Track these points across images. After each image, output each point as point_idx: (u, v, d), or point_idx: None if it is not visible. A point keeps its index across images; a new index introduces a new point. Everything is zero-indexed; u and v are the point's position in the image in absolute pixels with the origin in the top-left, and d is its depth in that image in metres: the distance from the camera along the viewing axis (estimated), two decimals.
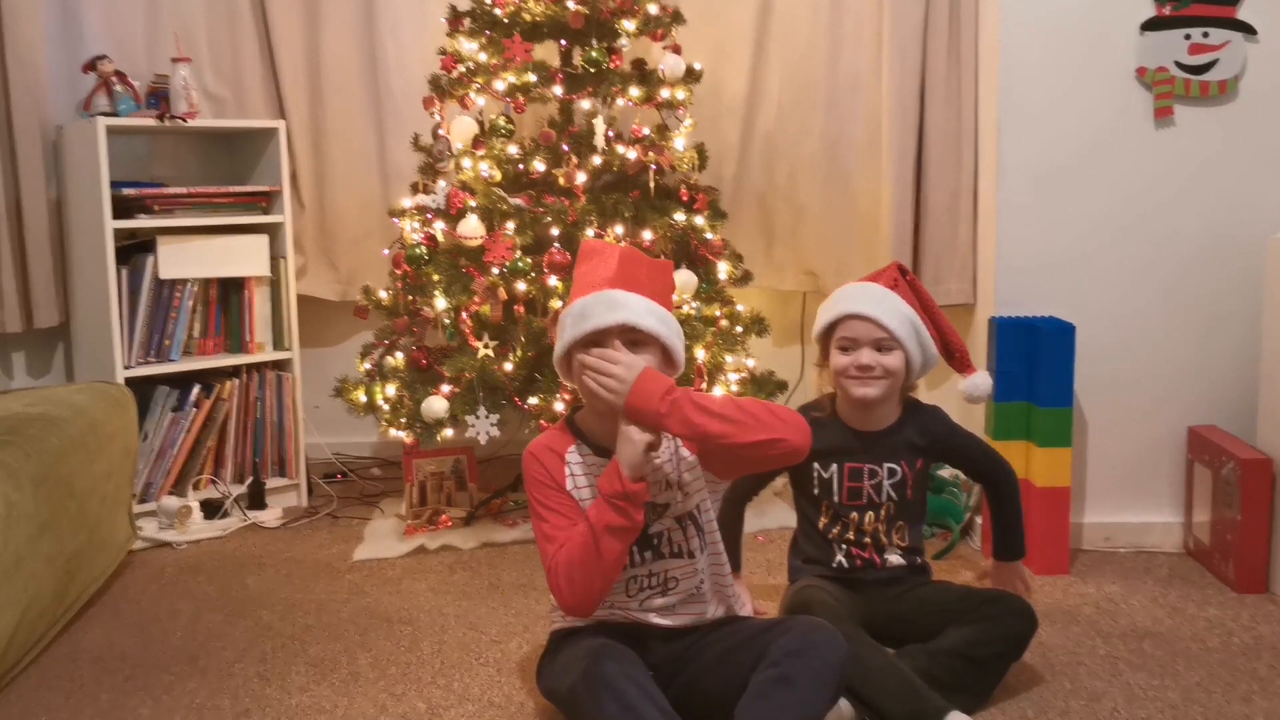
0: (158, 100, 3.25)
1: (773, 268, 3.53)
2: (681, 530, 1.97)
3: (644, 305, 1.90)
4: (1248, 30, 2.79)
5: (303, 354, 3.44)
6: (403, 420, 3.01)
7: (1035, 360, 2.73)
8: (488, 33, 3.11)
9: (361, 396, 3.14)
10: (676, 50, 3.13)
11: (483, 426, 2.90)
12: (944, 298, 3.08)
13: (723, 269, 3.09)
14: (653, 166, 3.05)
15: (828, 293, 2.41)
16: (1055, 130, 2.84)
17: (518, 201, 3.00)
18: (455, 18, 3.18)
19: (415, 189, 3.23)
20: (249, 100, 3.55)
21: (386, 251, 3.23)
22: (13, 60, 3.15)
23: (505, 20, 3.09)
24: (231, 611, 2.60)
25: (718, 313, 3.05)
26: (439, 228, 3.09)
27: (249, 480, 3.30)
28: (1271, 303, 2.65)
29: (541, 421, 2.85)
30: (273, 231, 3.35)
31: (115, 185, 3.08)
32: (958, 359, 2.34)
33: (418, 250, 3.04)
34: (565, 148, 3.04)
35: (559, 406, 2.84)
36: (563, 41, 3.15)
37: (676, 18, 3.18)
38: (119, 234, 3.10)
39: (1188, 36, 2.79)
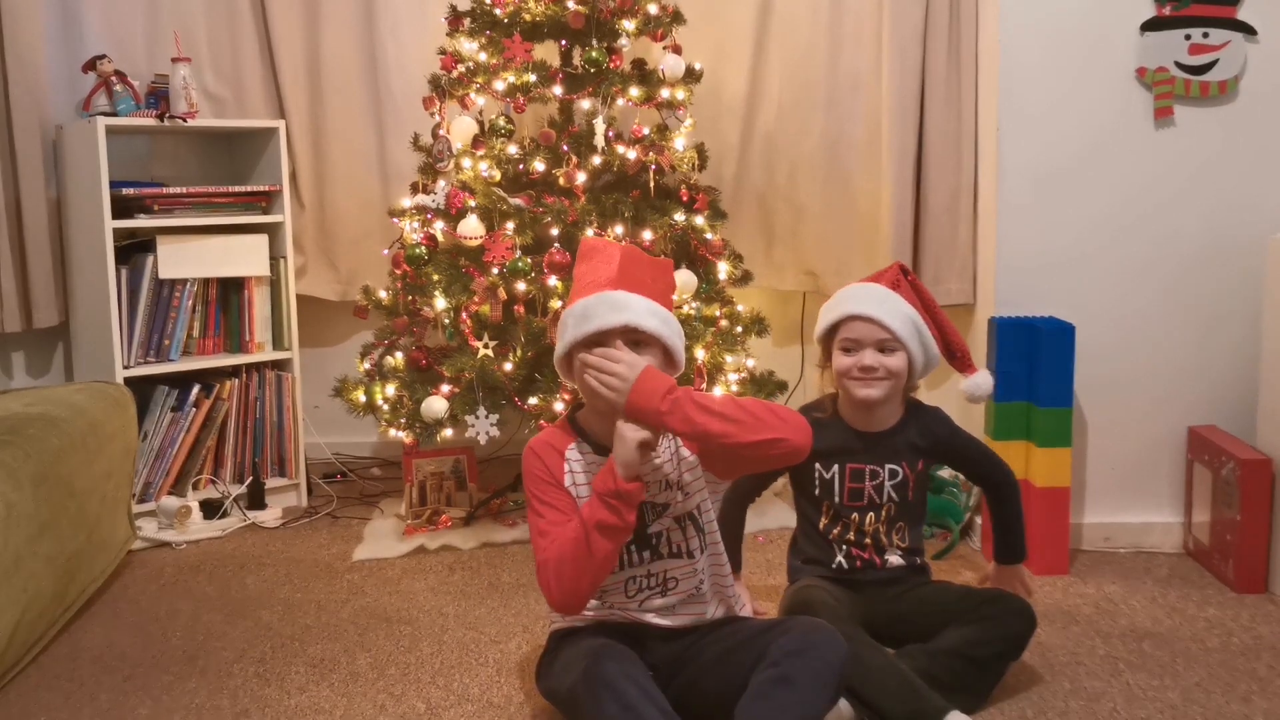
0: (157, 100, 3.25)
1: (773, 268, 3.53)
2: (681, 530, 1.97)
3: (646, 306, 1.90)
4: (1248, 30, 2.79)
5: (302, 354, 3.44)
6: (402, 420, 3.01)
7: (1035, 360, 2.73)
8: (488, 33, 3.11)
9: (361, 396, 3.14)
10: (676, 50, 3.13)
11: (482, 426, 2.90)
12: (944, 298, 3.07)
13: (723, 269, 3.09)
14: (653, 166, 3.05)
15: (828, 293, 2.41)
16: (1055, 130, 2.84)
17: (518, 201, 3.00)
18: (455, 18, 3.18)
19: (415, 189, 3.22)
20: (249, 100, 3.55)
21: (386, 251, 3.23)
22: (13, 60, 3.15)
23: (505, 20, 3.09)
24: (231, 611, 2.60)
25: (718, 313, 3.05)
26: (439, 228, 3.09)
27: (248, 480, 3.30)
28: (1271, 303, 2.65)
29: (541, 421, 2.85)
30: (272, 231, 3.35)
31: (115, 185, 3.08)
32: (959, 359, 2.34)
33: (418, 250, 3.04)
34: (565, 148, 3.03)
35: (559, 406, 2.84)
36: (563, 41, 3.15)
37: (676, 18, 3.18)
38: (119, 234, 3.10)
39: (1188, 37, 2.79)
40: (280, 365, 3.40)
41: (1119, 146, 2.84)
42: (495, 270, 2.92)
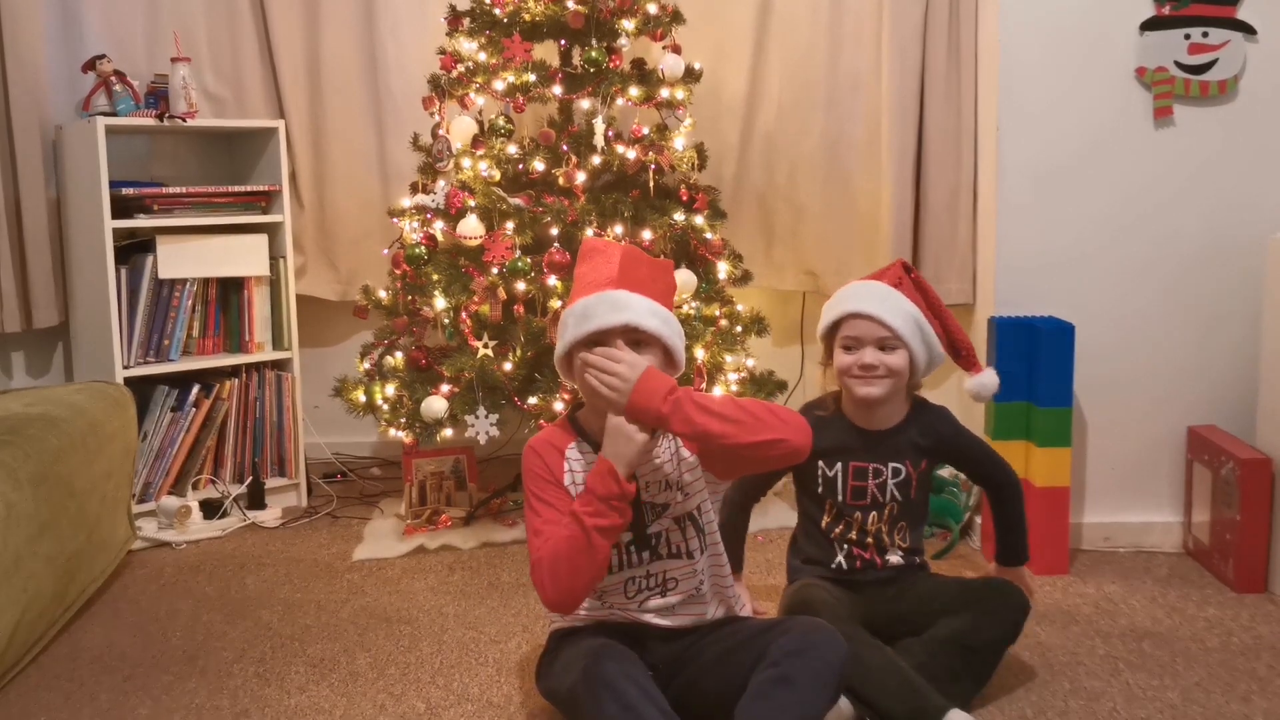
0: (157, 100, 3.25)
1: (772, 267, 3.53)
2: (681, 531, 1.97)
3: (646, 306, 1.90)
4: (1247, 30, 2.79)
5: (302, 354, 3.44)
6: (402, 420, 3.01)
7: (1035, 360, 2.73)
8: (487, 32, 3.11)
9: (361, 396, 3.14)
10: (676, 50, 3.13)
11: (482, 426, 2.90)
12: (944, 297, 3.03)
13: (722, 269, 3.08)
14: (652, 166, 3.05)
15: (828, 292, 2.40)
16: (1055, 130, 2.84)
17: (517, 201, 3.00)
18: (455, 18, 3.18)
19: (415, 189, 3.22)
20: (249, 100, 3.55)
21: (386, 251, 3.23)
22: (13, 60, 3.15)
23: (505, 20, 3.09)
24: (231, 611, 2.60)
25: (717, 312, 3.05)
26: (439, 227, 3.09)
27: (248, 480, 3.30)
28: (1271, 303, 2.65)
29: (541, 421, 2.85)
30: (272, 231, 3.35)
31: (114, 185, 3.08)
32: (964, 357, 2.33)
33: (417, 250, 3.04)
34: (565, 147, 3.03)
35: (558, 406, 2.84)
36: (562, 41, 3.15)
37: (676, 17, 3.18)
38: (118, 234, 3.10)
39: (1187, 36, 2.79)
40: (280, 365, 3.40)
41: (1119, 146, 2.84)
42: (495, 270, 2.92)
